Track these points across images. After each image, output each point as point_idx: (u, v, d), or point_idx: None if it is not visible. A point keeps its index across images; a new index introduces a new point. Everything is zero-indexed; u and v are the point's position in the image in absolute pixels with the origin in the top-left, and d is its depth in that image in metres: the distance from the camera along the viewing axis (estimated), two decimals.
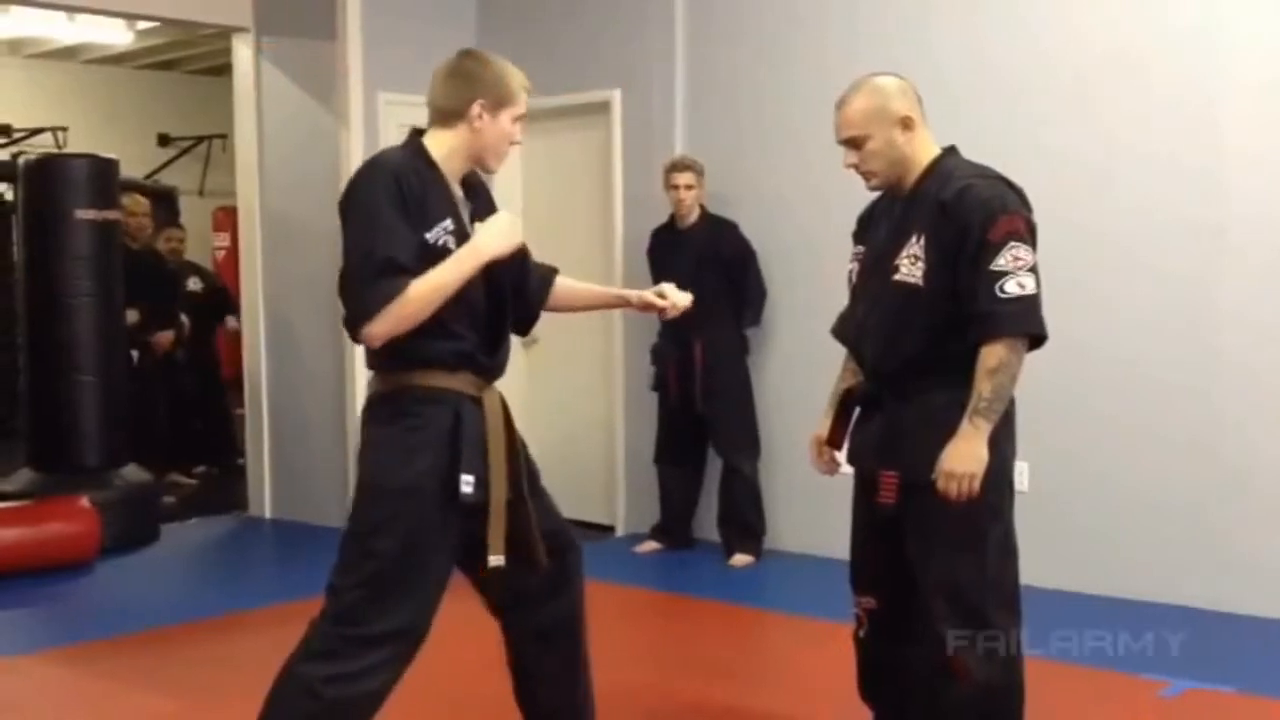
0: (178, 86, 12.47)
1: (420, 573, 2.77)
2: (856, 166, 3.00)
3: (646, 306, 3.11)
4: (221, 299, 8.55)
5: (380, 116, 6.53)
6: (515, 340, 3.16)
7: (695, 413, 5.86)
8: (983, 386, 2.80)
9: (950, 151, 3.02)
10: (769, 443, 5.91)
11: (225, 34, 7.37)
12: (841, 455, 3.15)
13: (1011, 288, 2.79)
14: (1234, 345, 4.77)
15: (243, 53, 7.11)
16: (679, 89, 6.24)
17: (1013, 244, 2.80)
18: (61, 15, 9.59)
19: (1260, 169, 4.70)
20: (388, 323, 2.68)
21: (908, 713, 3.12)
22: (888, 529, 2.99)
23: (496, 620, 3.07)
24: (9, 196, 8.90)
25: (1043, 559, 4.25)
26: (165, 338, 7.73)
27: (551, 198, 6.90)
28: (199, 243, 10.60)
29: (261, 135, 7.05)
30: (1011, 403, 2.89)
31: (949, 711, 2.94)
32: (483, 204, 2.96)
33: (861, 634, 3.16)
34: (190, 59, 11.89)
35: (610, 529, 6.57)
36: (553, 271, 3.13)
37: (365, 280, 2.67)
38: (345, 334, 2.81)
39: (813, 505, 5.60)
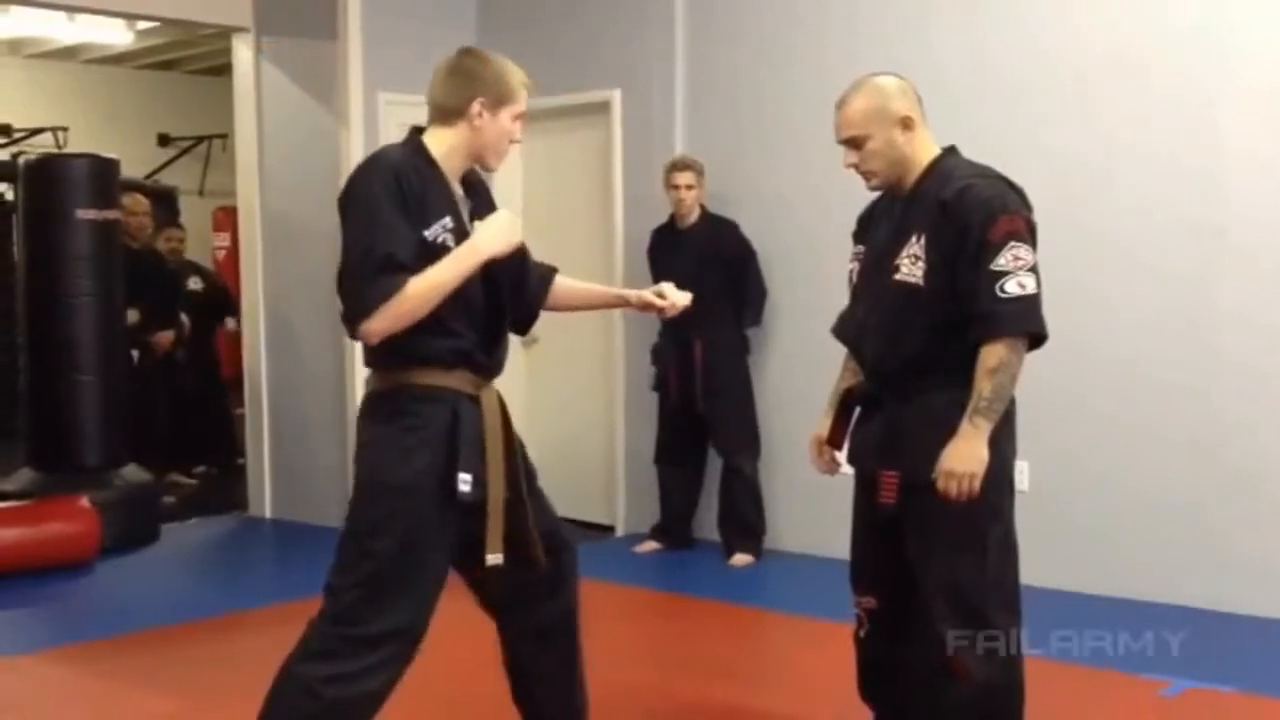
0: (178, 86, 12.47)
1: (418, 572, 2.77)
2: (856, 166, 3.00)
3: (646, 306, 3.10)
4: (221, 299, 8.55)
5: (380, 116, 6.53)
6: (515, 340, 3.16)
7: (695, 412, 5.86)
8: (983, 386, 2.80)
9: (950, 151, 3.02)
10: (769, 443, 5.91)
11: (225, 34, 7.37)
12: (842, 455, 3.15)
13: (1012, 287, 2.79)
14: (1234, 345, 4.77)
15: (243, 53, 7.11)
16: (679, 89, 6.24)
17: (1013, 244, 2.80)
18: (61, 15, 9.59)
19: (1260, 170, 4.70)
20: (386, 320, 2.67)
21: (908, 713, 3.12)
22: (888, 529, 2.99)
23: (493, 620, 3.07)
24: (9, 196, 8.90)
25: (1043, 559, 4.25)
26: (165, 338, 7.73)
27: (551, 198, 6.90)
28: (199, 243, 10.60)
29: (261, 135, 7.05)
30: (1012, 402, 2.89)
31: (949, 711, 2.94)
32: (482, 202, 2.95)
33: (862, 634, 3.16)
34: (190, 59, 11.89)
35: (610, 529, 6.57)
36: (552, 271, 3.13)
37: (364, 277, 2.67)
38: (345, 334, 2.81)
39: (813, 505, 5.60)
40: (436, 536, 2.78)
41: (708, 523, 6.04)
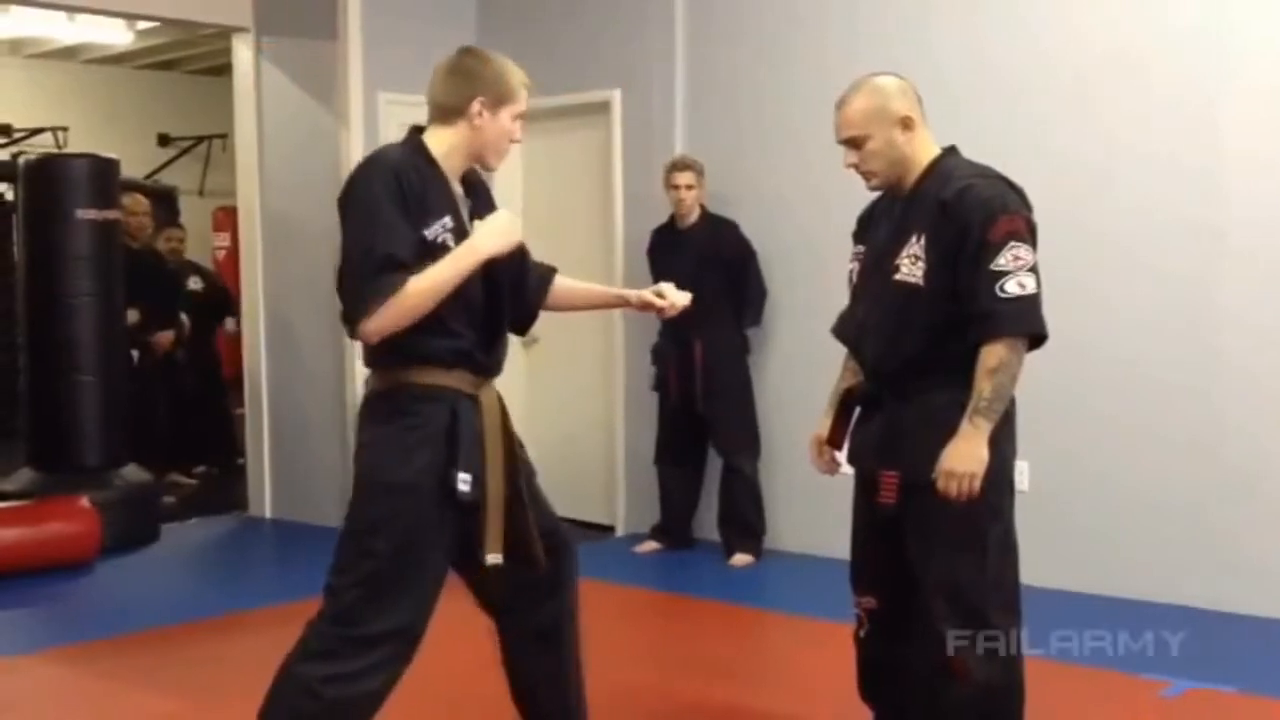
0: (178, 86, 12.47)
1: (418, 571, 2.77)
2: (857, 166, 3.01)
3: (645, 306, 3.10)
4: (221, 299, 8.55)
5: (380, 116, 6.53)
6: (515, 340, 3.16)
7: (695, 412, 5.86)
8: (983, 386, 2.80)
9: (950, 151, 3.02)
10: (769, 443, 5.91)
11: (225, 34, 7.37)
12: (842, 455, 3.15)
13: (1012, 287, 2.79)
14: (1234, 346, 4.76)
15: (243, 53, 7.11)
16: (679, 89, 6.24)
17: (1013, 244, 2.81)
18: (61, 15, 9.59)
19: (1260, 170, 4.70)
20: (385, 319, 2.67)
21: (908, 713, 3.12)
22: (888, 529, 2.99)
23: (492, 620, 3.07)
24: (9, 196, 8.90)
25: (1043, 559, 4.25)
26: (165, 338, 7.73)
27: (552, 198, 6.90)
28: (199, 243, 10.60)
29: (262, 135, 7.05)
30: (1012, 402, 2.89)
31: (949, 711, 2.94)
32: (482, 202, 2.95)
33: (862, 634, 3.16)
34: (190, 59, 11.89)
35: (610, 529, 6.57)
36: (551, 271, 3.13)
37: (363, 276, 2.67)
38: (346, 334, 2.81)
39: (813, 505, 5.60)
40: (436, 536, 2.78)
41: (708, 523, 6.04)
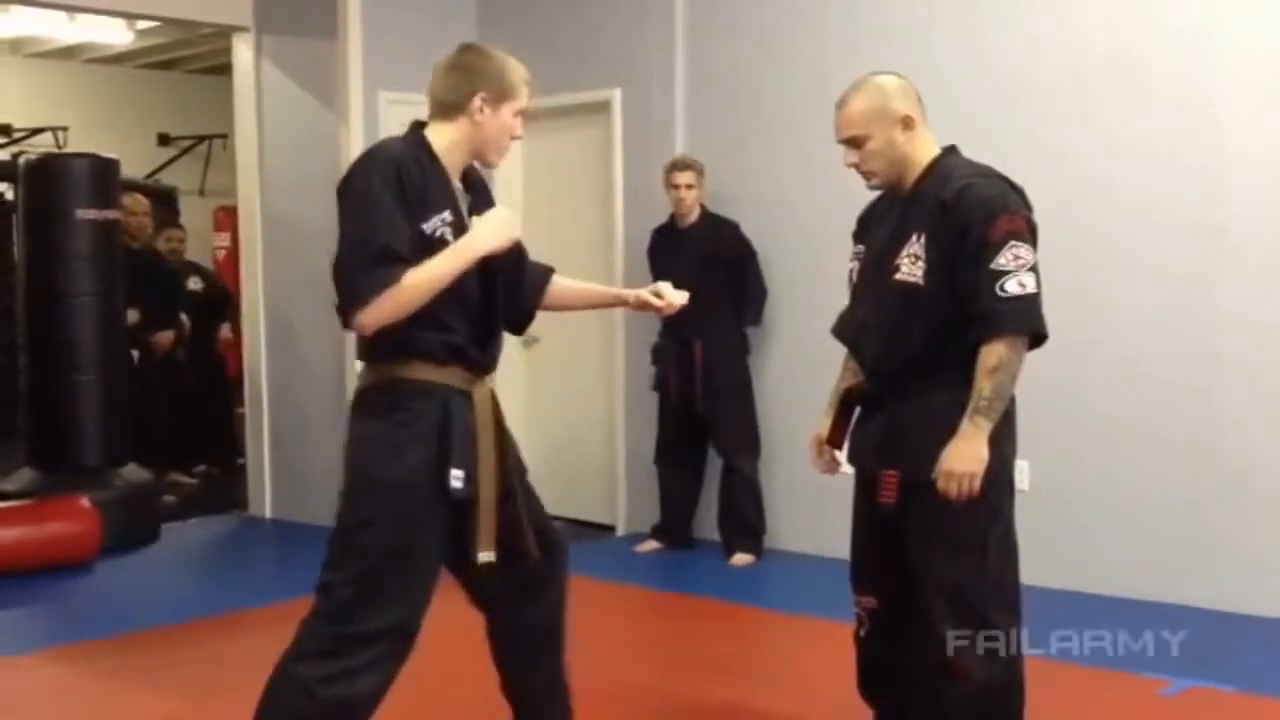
0: (178, 86, 12.45)
1: (411, 568, 2.76)
2: (857, 166, 3.01)
3: (643, 305, 3.10)
4: (221, 300, 8.54)
5: (381, 115, 6.52)
6: (515, 340, 3.16)
7: (695, 412, 5.86)
8: (983, 386, 2.80)
9: (950, 151, 3.02)
10: (769, 443, 5.91)
11: (225, 33, 7.37)
12: (842, 455, 3.15)
13: (1012, 287, 2.79)
14: (1234, 345, 4.76)
15: (243, 52, 7.11)
16: (679, 87, 6.24)
17: (1013, 243, 2.81)
18: (61, 15, 9.58)
19: (1260, 169, 4.70)
20: (380, 311, 2.67)
21: (908, 712, 3.12)
22: (888, 529, 2.99)
23: (483, 615, 3.07)
24: (9, 196, 8.89)
25: (1043, 559, 4.25)
26: (165, 338, 7.73)
27: (552, 196, 6.90)
28: (199, 242, 10.59)
29: (262, 135, 7.05)
30: (1012, 402, 2.89)
31: (949, 711, 2.94)
32: (481, 198, 2.96)
33: (862, 633, 3.15)
34: (190, 59, 11.87)
35: (610, 529, 6.57)
36: (549, 271, 3.13)
37: (360, 267, 2.67)
38: (346, 334, 2.81)
39: (813, 505, 5.60)
40: (429, 532, 2.77)
41: (708, 523, 6.04)
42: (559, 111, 6.53)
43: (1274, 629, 4.59)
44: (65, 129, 10.95)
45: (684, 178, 5.81)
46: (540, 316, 3.17)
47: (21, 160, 6.99)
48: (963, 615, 2.89)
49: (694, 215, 5.88)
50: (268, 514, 7.16)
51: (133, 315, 7.00)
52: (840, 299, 3.19)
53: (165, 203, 10.21)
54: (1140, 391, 4.96)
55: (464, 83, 2.82)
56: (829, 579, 3.91)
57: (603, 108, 6.51)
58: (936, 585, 2.92)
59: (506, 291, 2.95)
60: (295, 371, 7.00)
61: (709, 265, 5.70)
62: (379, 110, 6.54)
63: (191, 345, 8.15)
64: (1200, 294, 4.83)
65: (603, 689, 3.29)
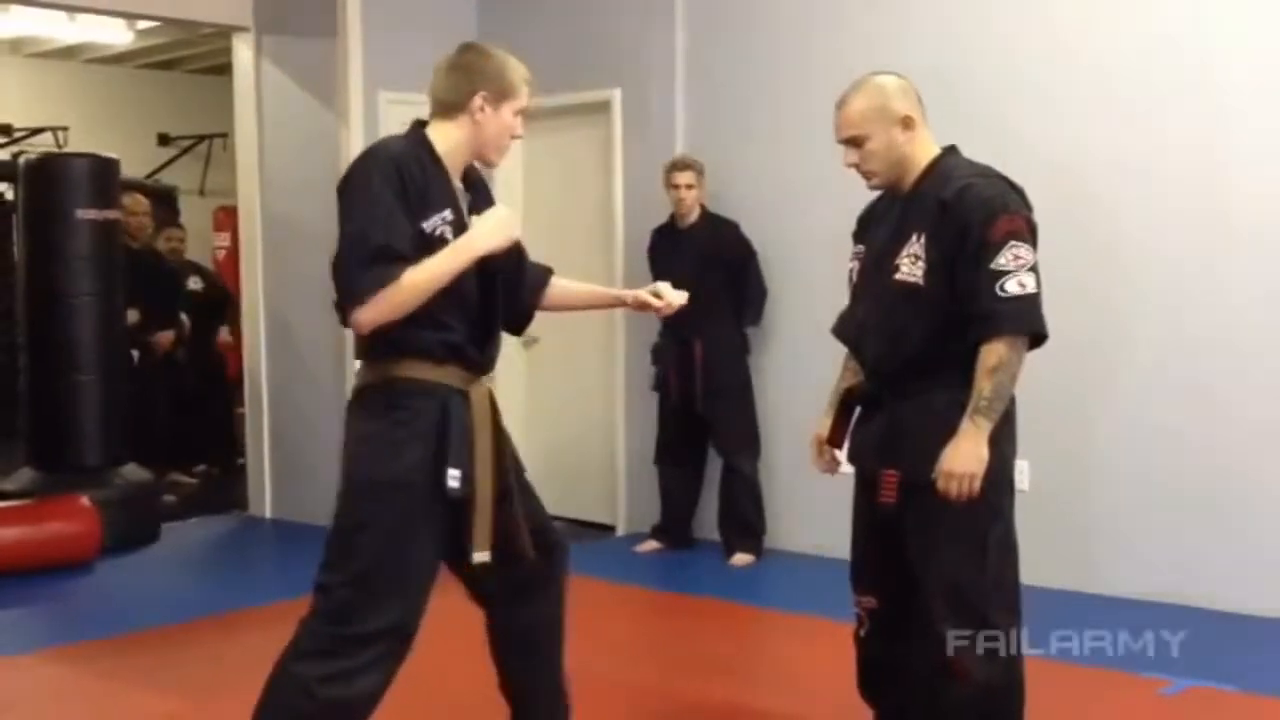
0: (178, 86, 12.46)
1: (409, 568, 2.76)
2: (857, 166, 3.01)
3: (642, 306, 3.10)
4: (221, 300, 8.53)
5: (381, 115, 6.52)
6: (515, 340, 3.16)
7: (695, 412, 5.86)
8: (983, 385, 2.80)
9: (950, 151, 3.02)
10: (769, 442, 5.91)
11: (225, 33, 7.37)
12: (842, 455, 3.15)
13: (1012, 287, 2.79)
14: (1235, 344, 4.76)
15: (243, 52, 7.11)
16: (679, 88, 6.24)
17: (1013, 243, 2.81)
18: (61, 15, 9.58)
19: (1265, 165, 4.69)
20: (378, 309, 2.67)
21: (908, 712, 3.12)
22: (888, 528, 2.99)
23: (483, 612, 3.07)
24: (9, 196, 8.90)
25: (1043, 559, 4.25)
26: (165, 337, 7.73)
27: (552, 197, 6.90)
28: (199, 242, 10.59)
29: (262, 135, 7.05)
30: (1012, 402, 2.89)
31: (949, 711, 2.94)
32: (482, 198, 2.96)
33: (862, 633, 3.15)
34: (190, 58, 11.87)
35: (610, 529, 6.57)
36: (548, 271, 3.13)
37: (359, 264, 2.66)
38: (346, 333, 2.81)
39: (813, 505, 5.60)
40: (426, 532, 2.77)
41: (708, 523, 6.04)
42: (559, 111, 6.53)
43: (1274, 629, 4.59)
44: (65, 129, 10.95)
45: (684, 178, 5.81)
46: (540, 316, 3.17)
47: (21, 160, 7.00)
48: (963, 615, 2.89)
49: (694, 215, 5.88)
50: (268, 514, 7.16)
51: (133, 315, 7.00)
52: (840, 299, 3.19)
53: (165, 202, 10.22)
54: (1140, 391, 4.96)
55: (464, 82, 2.82)
56: (829, 579, 3.91)
57: (603, 108, 6.51)
58: (936, 585, 2.92)
59: (505, 292, 2.95)
60: (295, 371, 7.00)
61: (709, 265, 5.70)
62: (379, 110, 6.53)
63: (191, 345, 8.15)
64: (1202, 294, 4.83)
65: (603, 688, 3.29)
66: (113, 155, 6.68)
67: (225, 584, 5.96)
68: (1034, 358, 2.89)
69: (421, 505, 2.75)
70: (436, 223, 2.74)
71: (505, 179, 6.68)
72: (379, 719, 2.83)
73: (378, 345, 2.78)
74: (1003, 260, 2.79)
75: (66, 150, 10.10)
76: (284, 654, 2.77)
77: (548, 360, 6.91)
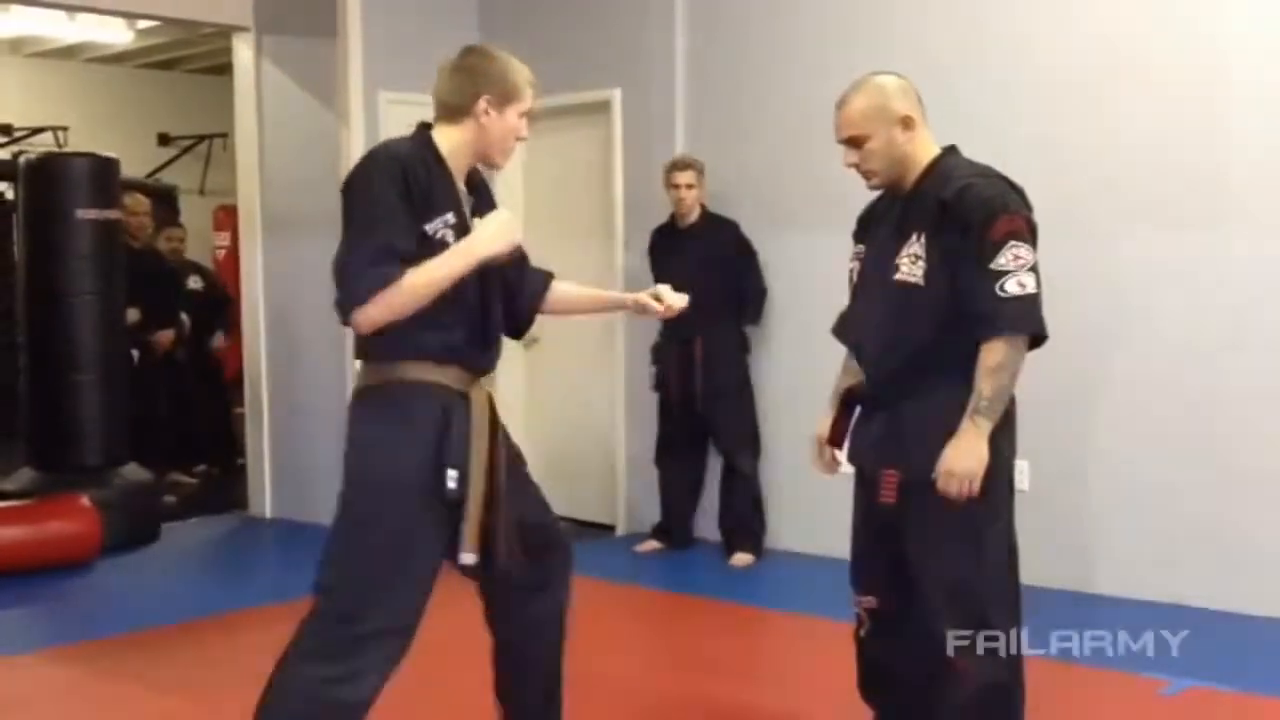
0: (178, 86, 12.46)
1: (409, 568, 2.76)
2: (857, 166, 3.01)
3: (643, 309, 3.11)
4: (220, 301, 8.52)
5: (381, 116, 6.52)
6: (515, 340, 3.15)
7: (695, 412, 5.86)
8: (983, 385, 2.80)
9: (950, 151, 3.02)
10: (769, 442, 5.91)
11: (226, 33, 7.37)
12: (842, 454, 3.15)
13: (1012, 287, 2.79)
14: (1237, 344, 4.76)
15: (243, 52, 7.12)
16: (679, 88, 6.24)
17: (1013, 243, 2.81)
18: (62, 15, 9.59)
19: (1267, 163, 4.68)
20: (379, 309, 2.67)
21: (908, 712, 3.12)
22: (888, 528, 2.99)
23: (485, 612, 3.06)
24: (9, 196, 8.90)
25: (1043, 559, 4.25)
26: (165, 337, 7.74)
27: (552, 197, 6.90)
28: (199, 242, 10.60)
29: (262, 134, 7.05)
30: (1012, 402, 2.89)
31: (949, 711, 2.94)
32: (484, 201, 2.96)
33: (862, 633, 3.15)
34: (190, 58, 11.88)
35: (610, 529, 6.57)
36: (549, 276, 3.13)
37: (361, 265, 2.67)
38: (346, 333, 2.81)
39: (813, 505, 5.60)
40: (426, 532, 2.77)
41: (708, 523, 6.04)
42: (559, 111, 6.53)
43: (1274, 629, 4.59)
44: (65, 129, 10.95)
45: (684, 177, 5.81)
46: (540, 317, 3.16)
47: (21, 160, 6.99)
48: (962, 615, 2.89)
49: (694, 215, 5.88)
50: (268, 514, 7.16)
51: (133, 315, 7.00)
52: (840, 299, 3.19)
53: (165, 202, 10.22)
54: (1140, 391, 4.96)
55: (468, 85, 2.82)
56: (829, 579, 3.91)
57: (603, 108, 6.51)
58: (936, 585, 2.92)
59: (506, 295, 2.95)
60: (295, 372, 7.00)
61: (709, 265, 5.70)
62: (379, 110, 6.53)
63: (191, 345, 8.15)
64: (1203, 294, 4.83)
65: (603, 687, 3.29)
66: (113, 155, 6.68)
67: (225, 584, 5.96)
68: (1034, 358, 2.89)
69: (421, 506, 2.75)
70: (439, 225, 2.74)
71: (505, 179, 6.68)
72: (380, 718, 2.83)
73: (378, 346, 2.78)
74: (1003, 260, 2.79)
75: (66, 150, 10.10)
76: (284, 654, 2.77)
77: (548, 360, 6.91)
